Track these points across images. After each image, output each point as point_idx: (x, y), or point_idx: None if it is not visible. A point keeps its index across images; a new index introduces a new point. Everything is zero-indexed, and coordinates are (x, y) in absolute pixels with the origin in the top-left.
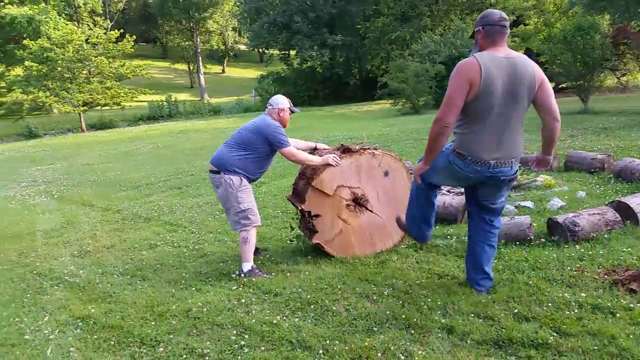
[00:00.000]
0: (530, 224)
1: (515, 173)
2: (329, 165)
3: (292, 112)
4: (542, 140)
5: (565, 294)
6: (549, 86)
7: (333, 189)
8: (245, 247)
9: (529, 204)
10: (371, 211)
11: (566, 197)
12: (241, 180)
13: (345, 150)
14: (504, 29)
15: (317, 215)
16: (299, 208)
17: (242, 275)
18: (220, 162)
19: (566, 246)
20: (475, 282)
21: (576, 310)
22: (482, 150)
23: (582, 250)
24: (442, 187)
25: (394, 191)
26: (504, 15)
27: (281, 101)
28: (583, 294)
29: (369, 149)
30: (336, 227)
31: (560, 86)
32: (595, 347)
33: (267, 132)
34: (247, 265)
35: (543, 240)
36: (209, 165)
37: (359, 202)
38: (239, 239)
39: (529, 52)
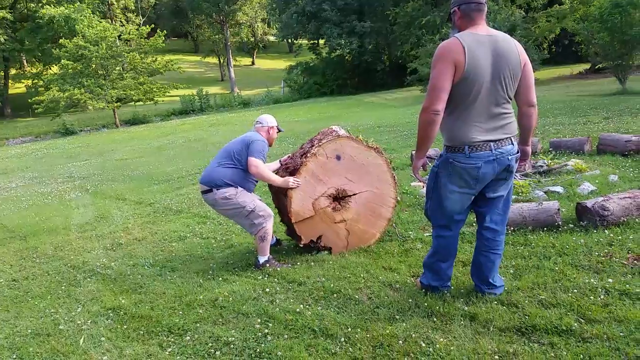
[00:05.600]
0: (558, 210)
1: (518, 152)
2: (289, 187)
3: (279, 130)
4: (520, 129)
5: (592, 280)
6: (531, 69)
7: (311, 209)
8: (263, 244)
9: (558, 188)
10: (354, 194)
11: (597, 181)
12: (236, 188)
13: (292, 172)
14: (481, 6)
15: (319, 237)
16: (301, 244)
17: (260, 266)
18: (210, 179)
19: (595, 231)
20: (483, 292)
21: (602, 297)
22: (476, 134)
23: (612, 235)
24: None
25: (356, 163)
26: None
27: (270, 120)
28: (610, 280)
29: (306, 154)
30: (341, 232)
31: (596, 67)
32: (621, 334)
33: (252, 140)
34: (263, 258)
35: (571, 225)
36: (200, 187)
37: (340, 198)
38: (257, 238)
39: (564, 33)
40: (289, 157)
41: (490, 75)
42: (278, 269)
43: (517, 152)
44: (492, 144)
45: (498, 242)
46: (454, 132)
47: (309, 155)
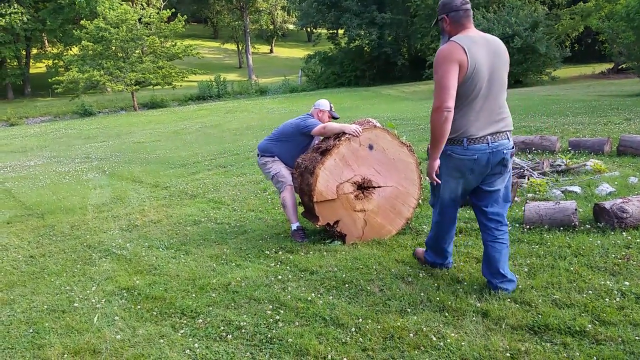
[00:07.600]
0: (575, 210)
1: (513, 147)
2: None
3: (333, 117)
4: None
5: (608, 282)
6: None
7: (335, 192)
8: (285, 211)
9: (576, 188)
10: (379, 187)
11: (616, 182)
12: (273, 157)
13: (323, 152)
14: (468, 12)
15: (336, 222)
16: (317, 225)
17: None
18: (261, 147)
19: (612, 233)
20: (496, 287)
21: (618, 299)
22: (476, 128)
23: (630, 237)
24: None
25: (387, 157)
26: None
27: (321, 104)
28: (627, 283)
29: (340, 137)
30: (358, 221)
31: (620, 67)
32: (637, 337)
33: (299, 126)
34: (293, 225)
35: (588, 226)
36: (257, 151)
37: (364, 187)
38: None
39: (587, 31)
40: (322, 140)
41: (488, 73)
42: (299, 241)
43: (513, 147)
44: (489, 137)
45: (502, 232)
46: (455, 127)
47: (342, 138)
